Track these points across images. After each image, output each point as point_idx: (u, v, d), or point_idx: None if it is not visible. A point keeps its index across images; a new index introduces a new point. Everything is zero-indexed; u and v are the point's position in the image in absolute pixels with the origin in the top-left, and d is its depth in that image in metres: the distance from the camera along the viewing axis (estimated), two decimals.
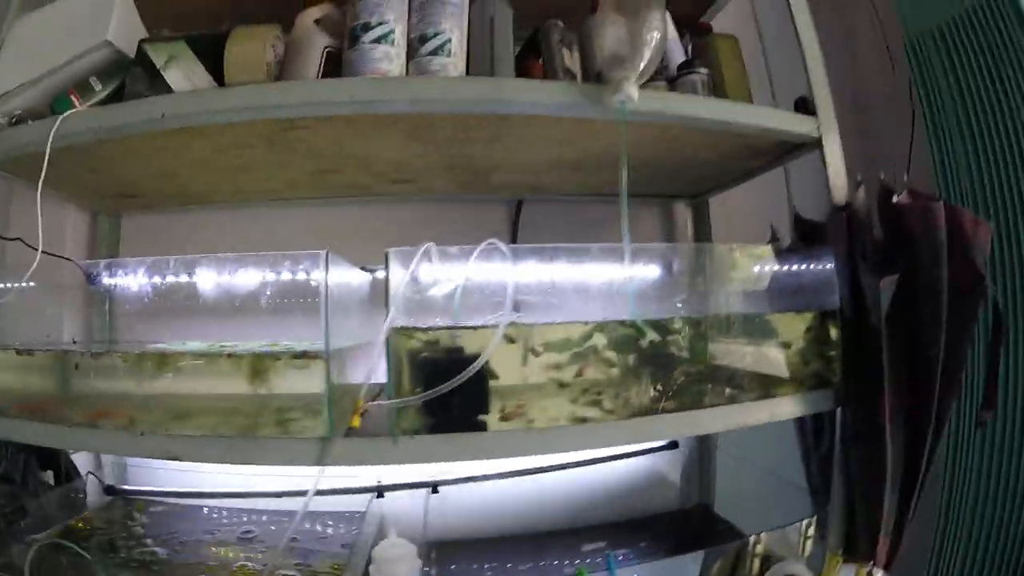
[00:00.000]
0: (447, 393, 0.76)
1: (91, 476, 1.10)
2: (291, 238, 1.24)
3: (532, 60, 0.93)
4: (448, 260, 0.80)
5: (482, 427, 0.79)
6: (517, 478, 1.25)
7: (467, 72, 0.86)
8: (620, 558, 1.14)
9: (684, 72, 0.94)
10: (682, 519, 1.34)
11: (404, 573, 0.87)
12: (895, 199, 0.93)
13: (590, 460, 1.30)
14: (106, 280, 0.99)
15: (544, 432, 0.79)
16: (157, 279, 0.91)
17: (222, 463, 0.77)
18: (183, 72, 0.87)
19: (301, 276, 0.81)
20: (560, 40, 0.91)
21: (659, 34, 0.81)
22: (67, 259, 0.96)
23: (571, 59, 0.94)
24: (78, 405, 0.86)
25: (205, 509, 1.18)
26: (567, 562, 1.14)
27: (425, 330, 0.78)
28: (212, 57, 0.88)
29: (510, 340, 0.80)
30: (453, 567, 1.17)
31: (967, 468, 1.37)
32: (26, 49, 0.96)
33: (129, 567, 0.97)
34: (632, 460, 1.36)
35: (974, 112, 1.32)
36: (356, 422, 0.73)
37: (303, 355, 0.79)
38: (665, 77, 0.95)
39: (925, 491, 0.96)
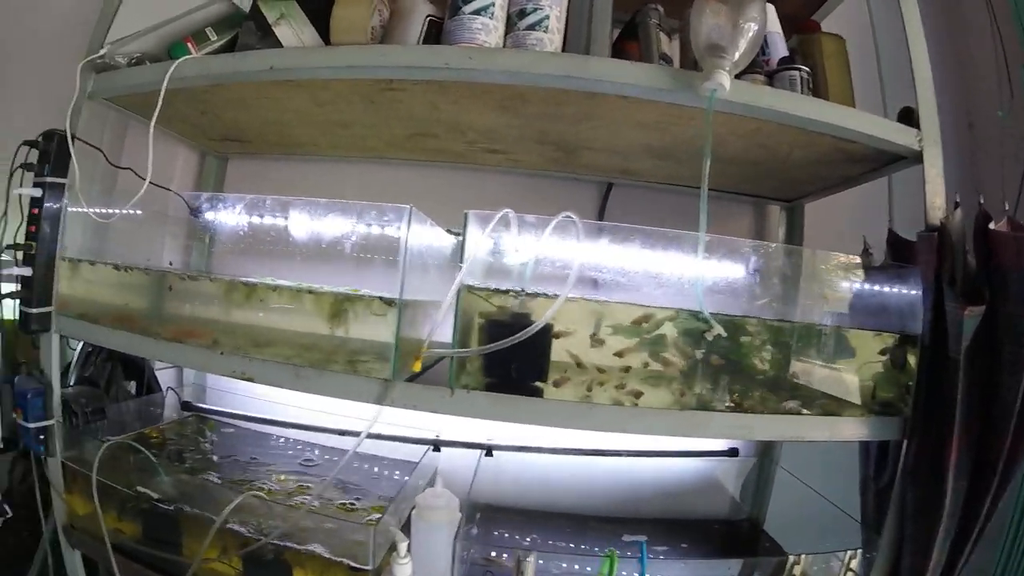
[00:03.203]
0: (508, 356, 0.79)
1: (171, 391, 1.19)
2: (384, 195, 1.27)
3: (629, 43, 0.93)
4: (525, 229, 0.82)
5: (538, 393, 0.81)
6: (571, 456, 1.25)
7: (563, 49, 0.88)
8: (657, 555, 1.13)
9: (783, 68, 0.92)
10: (728, 529, 1.30)
11: (444, 521, 0.90)
12: (992, 226, 0.86)
13: (646, 452, 1.29)
14: (207, 215, 1.07)
15: (593, 407, 0.80)
16: (253, 217, 0.98)
17: (292, 389, 0.82)
18: (292, 29, 0.93)
19: (386, 228, 0.85)
20: (658, 24, 0.91)
21: (756, 26, 0.79)
22: (172, 191, 1.03)
23: (669, 45, 0.94)
24: (168, 322, 0.94)
25: (274, 438, 1.25)
26: (605, 549, 1.14)
27: (494, 291, 0.81)
28: (320, 17, 0.93)
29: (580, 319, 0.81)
30: (496, 532, 1.19)
31: None
32: None
33: (190, 474, 1.05)
34: (689, 460, 1.33)
35: None
36: (417, 366, 0.77)
37: (381, 300, 0.83)
38: (764, 71, 0.93)
39: (980, 545, 0.89)
